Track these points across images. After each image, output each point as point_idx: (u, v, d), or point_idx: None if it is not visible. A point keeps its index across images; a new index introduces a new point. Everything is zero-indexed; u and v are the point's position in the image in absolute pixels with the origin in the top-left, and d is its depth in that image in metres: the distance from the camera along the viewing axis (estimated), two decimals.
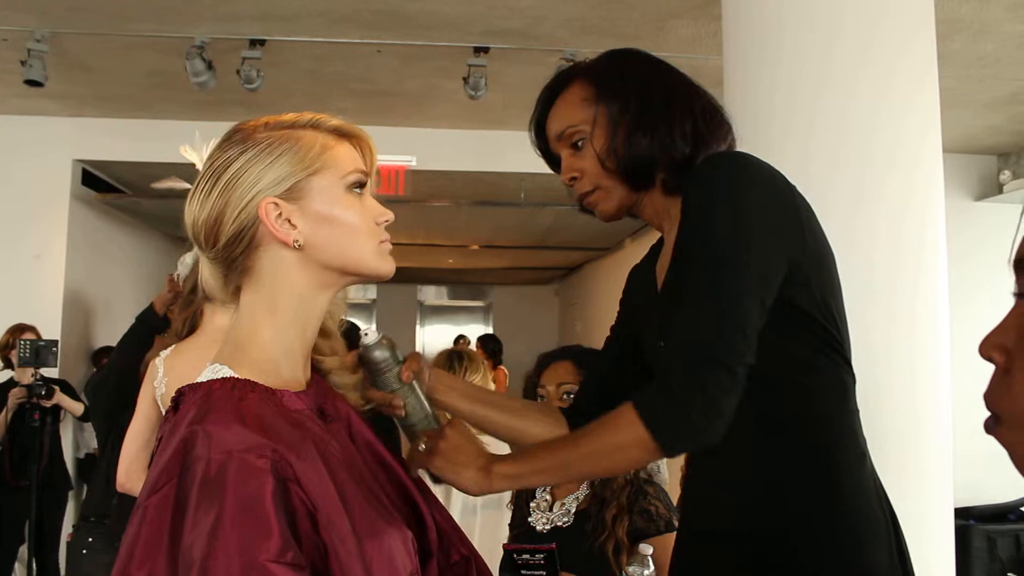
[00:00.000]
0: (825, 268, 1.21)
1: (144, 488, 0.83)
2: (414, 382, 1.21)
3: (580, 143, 1.28)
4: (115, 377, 2.99)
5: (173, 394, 0.91)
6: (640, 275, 1.42)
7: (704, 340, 1.08)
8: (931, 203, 2.17)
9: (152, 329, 2.99)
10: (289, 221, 0.93)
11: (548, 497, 1.94)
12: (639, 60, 1.32)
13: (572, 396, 1.88)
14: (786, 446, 1.17)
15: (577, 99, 1.28)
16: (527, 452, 1.17)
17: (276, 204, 0.92)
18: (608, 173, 1.26)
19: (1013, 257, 0.59)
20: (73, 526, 3.21)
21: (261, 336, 0.95)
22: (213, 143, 1.01)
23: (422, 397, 1.22)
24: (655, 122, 1.23)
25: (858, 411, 1.23)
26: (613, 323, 1.48)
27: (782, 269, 1.14)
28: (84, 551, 3.02)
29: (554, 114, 1.32)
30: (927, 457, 2.09)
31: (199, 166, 1.02)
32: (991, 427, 0.62)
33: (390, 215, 1.01)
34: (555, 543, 1.75)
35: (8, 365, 4.14)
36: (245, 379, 0.90)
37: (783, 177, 1.21)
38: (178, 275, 2.65)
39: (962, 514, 4.22)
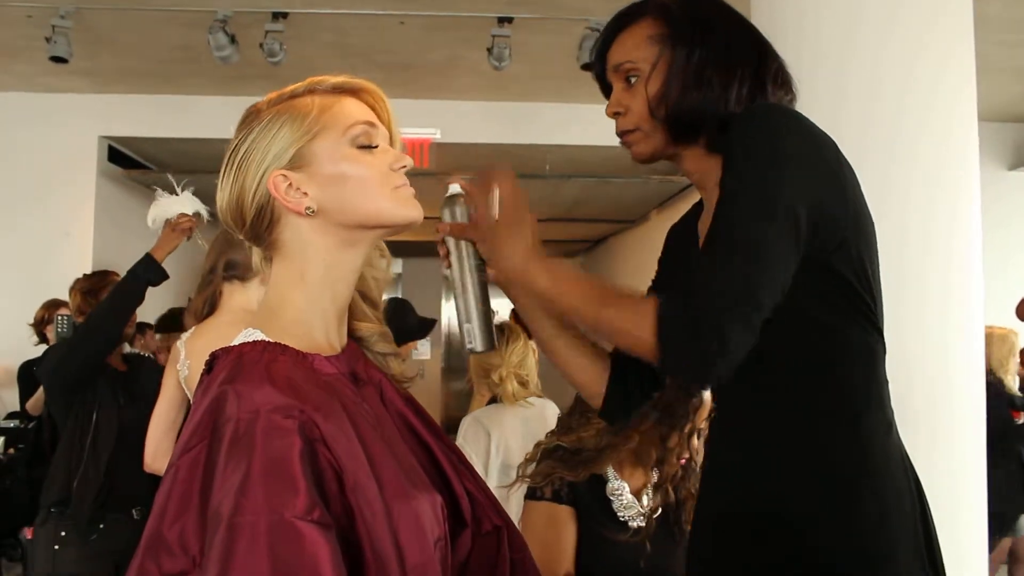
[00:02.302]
0: (864, 232, 1.18)
1: (176, 448, 0.84)
2: (463, 244, 1.25)
3: (633, 80, 1.26)
4: (96, 343, 2.63)
5: (200, 368, 0.93)
6: (680, 234, 1.41)
7: (741, 292, 1.07)
8: (965, 172, 2.13)
9: (151, 282, 2.62)
10: (300, 190, 0.94)
11: (625, 485, 1.83)
12: (717, 9, 1.28)
13: None
14: (813, 413, 1.16)
15: (643, 35, 1.25)
16: (566, 279, 1.20)
17: (284, 176, 0.94)
18: (653, 118, 1.24)
19: None
20: (37, 519, 2.68)
21: (293, 302, 0.96)
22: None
23: (465, 260, 1.25)
24: (710, 79, 1.20)
25: (887, 382, 1.21)
26: (651, 283, 1.47)
27: (818, 220, 1.12)
28: (56, 547, 2.58)
29: (618, 44, 1.29)
30: (960, 429, 2.07)
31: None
32: None
33: (407, 160, 1.00)
34: None
35: (43, 340, 4.19)
36: (276, 342, 0.91)
37: (824, 134, 1.19)
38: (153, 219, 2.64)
39: None
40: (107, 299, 2.67)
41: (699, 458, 1.82)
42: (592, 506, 1.78)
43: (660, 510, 1.82)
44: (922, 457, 1.95)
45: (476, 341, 1.24)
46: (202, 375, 0.91)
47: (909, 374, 1.93)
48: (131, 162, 5.79)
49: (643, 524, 1.80)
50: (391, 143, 1.02)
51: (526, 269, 1.19)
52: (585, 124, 5.34)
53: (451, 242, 1.25)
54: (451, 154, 5.59)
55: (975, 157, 2.17)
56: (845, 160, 1.19)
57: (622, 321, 1.14)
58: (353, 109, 0.98)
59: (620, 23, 1.30)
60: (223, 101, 5.16)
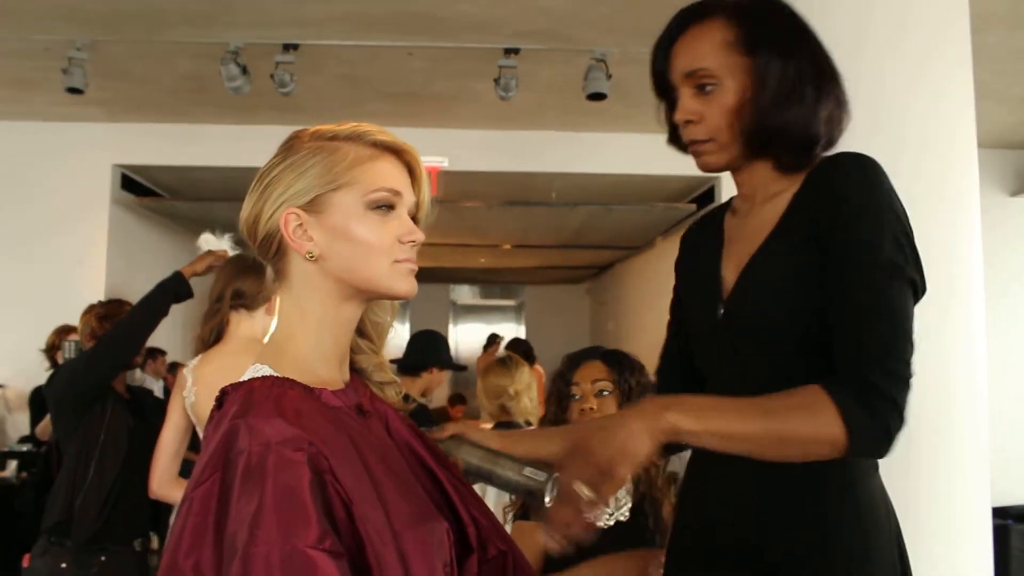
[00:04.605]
0: None
1: (190, 481, 0.86)
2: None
3: (709, 88, 1.18)
4: (118, 353, 2.59)
5: (213, 397, 0.95)
6: (696, 239, 1.38)
7: (895, 357, 1.06)
8: (965, 198, 2.15)
9: (177, 297, 2.60)
10: (308, 233, 0.96)
11: (587, 492, 1.93)
12: (790, 17, 1.22)
13: (607, 393, 1.91)
14: None
15: (718, 39, 1.18)
16: (709, 409, 1.09)
17: (297, 215, 0.95)
18: (733, 129, 1.18)
19: None
20: (35, 547, 2.61)
21: (296, 338, 0.98)
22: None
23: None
24: (804, 94, 1.15)
25: None
26: (670, 319, 1.43)
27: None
28: None
29: (687, 47, 1.20)
30: (962, 456, 2.07)
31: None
32: None
33: (418, 236, 0.99)
34: None
35: (54, 365, 4.22)
36: (285, 377, 0.93)
37: None
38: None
39: (1000, 514, 4.16)
40: (134, 309, 2.64)
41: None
42: None
43: (628, 511, 1.87)
44: (924, 486, 1.96)
45: None
46: (213, 410, 0.94)
47: (910, 406, 1.95)
48: (144, 190, 5.86)
49: (610, 524, 1.85)
50: (418, 207, 1.03)
51: (663, 428, 1.05)
52: (590, 152, 5.40)
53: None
54: (459, 182, 5.64)
55: (975, 183, 2.19)
56: None
57: (806, 433, 1.05)
58: (385, 172, 0.98)
59: (684, 23, 1.22)
60: (234, 130, 5.24)
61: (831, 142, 1.19)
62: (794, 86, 1.15)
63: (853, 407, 1.03)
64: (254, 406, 0.87)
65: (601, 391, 1.92)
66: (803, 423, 1.05)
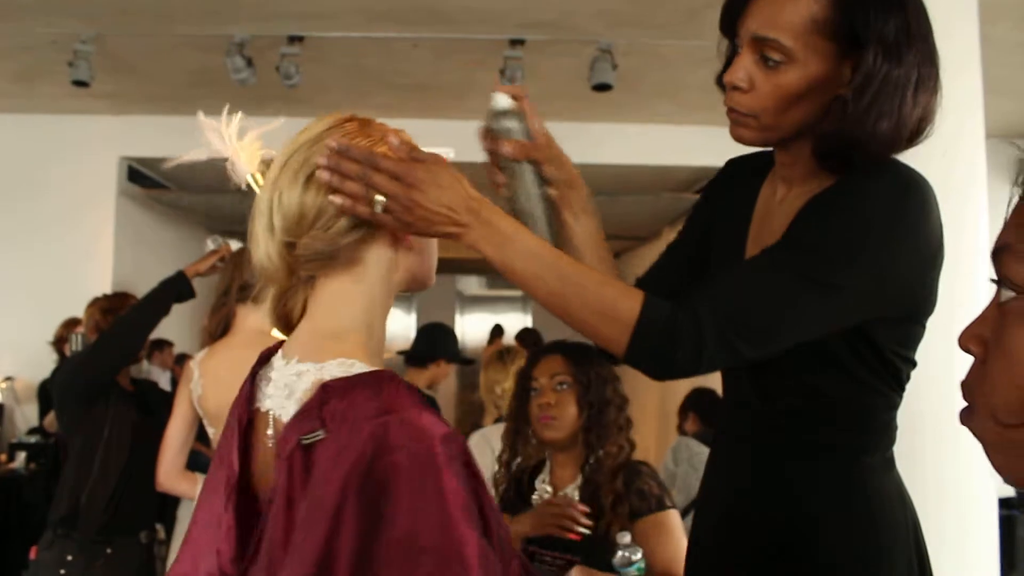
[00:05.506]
0: (926, 315, 1.13)
1: (330, 480, 0.80)
2: (526, 167, 1.17)
3: (773, 63, 1.03)
4: (119, 348, 2.60)
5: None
6: (732, 199, 1.26)
7: (752, 327, 1.00)
8: (973, 190, 2.16)
9: (178, 297, 2.62)
10: None
11: (549, 488, 1.96)
12: (909, 10, 1.03)
13: (565, 387, 1.93)
14: (818, 447, 1.15)
15: (805, 12, 1.01)
16: (514, 244, 1.02)
17: None
18: (783, 115, 1.05)
19: (991, 248, 0.57)
20: (42, 539, 2.64)
21: (366, 329, 0.95)
22: (224, 118, 1.03)
23: (530, 186, 1.18)
24: (898, 105, 1.00)
25: (897, 427, 1.18)
26: (672, 243, 1.38)
27: (879, 311, 1.05)
28: (62, 571, 2.52)
29: (768, 4, 1.03)
30: (968, 446, 2.07)
31: (216, 140, 1.04)
32: (965, 418, 0.61)
33: None
34: (579, 557, 1.77)
35: (62, 357, 4.26)
36: (389, 370, 0.90)
37: (941, 225, 1.07)
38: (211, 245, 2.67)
39: (1006, 503, 4.16)
40: (135, 306, 2.66)
41: (620, 452, 1.92)
42: (518, 505, 1.95)
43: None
44: (929, 477, 1.96)
45: None
46: (313, 408, 0.86)
47: (915, 394, 1.94)
48: (151, 182, 5.87)
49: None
50: None
51: (464, 230, 1.01)
52: (596, 143, 5.38)
53: (511, 166, 1.18)
54: (466, 173, 5.62)
55: (983, 175, 2.19)
56: (942, 244, 1.09)
57: (600, 308, 1.00)
58: None
59: None
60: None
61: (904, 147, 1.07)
62: (892, 96, 1.00)
63: (659, 317, 0.98)
64: (397, 400, 0.84)
65: (560, 384, 1.93)
66: (602, 302, 1.00)
